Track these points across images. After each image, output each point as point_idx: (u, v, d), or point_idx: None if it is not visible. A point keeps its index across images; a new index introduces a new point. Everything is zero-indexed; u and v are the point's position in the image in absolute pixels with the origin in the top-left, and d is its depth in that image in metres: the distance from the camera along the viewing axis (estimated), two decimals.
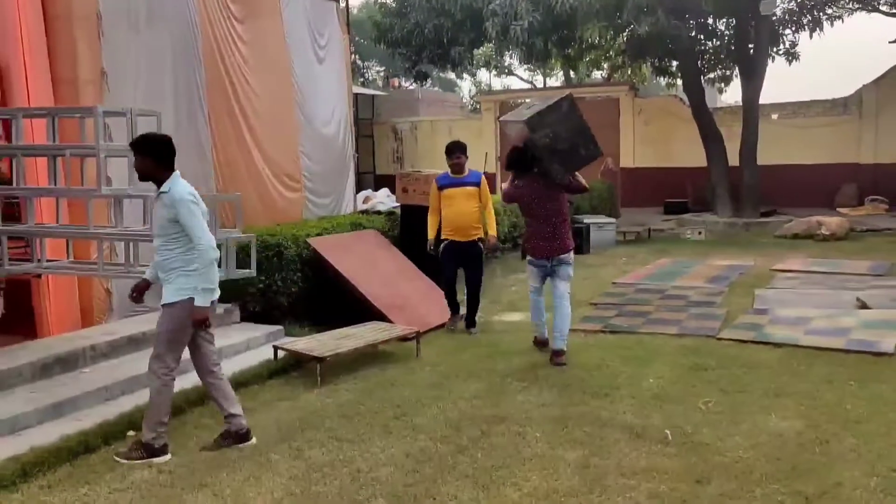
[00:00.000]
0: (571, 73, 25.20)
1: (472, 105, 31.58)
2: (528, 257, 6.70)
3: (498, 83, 36.29)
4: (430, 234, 7.55)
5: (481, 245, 7.47)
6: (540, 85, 31.99)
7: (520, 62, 24.02)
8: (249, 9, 8.82)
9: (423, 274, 8.54)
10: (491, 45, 19.29)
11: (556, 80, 31.58)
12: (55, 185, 5.66)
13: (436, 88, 34.01)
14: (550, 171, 6.38)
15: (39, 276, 6.06)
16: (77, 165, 5.77)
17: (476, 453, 4.51)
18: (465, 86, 39.16)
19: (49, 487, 4.10)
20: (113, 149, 5.63)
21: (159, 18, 7.47)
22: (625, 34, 15.97)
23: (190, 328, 4.58)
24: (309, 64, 10.08)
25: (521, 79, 32.51)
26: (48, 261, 5.88)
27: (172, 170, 4.55)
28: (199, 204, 4.52)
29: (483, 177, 7.58)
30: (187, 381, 5.26)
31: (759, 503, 3.83)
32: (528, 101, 11.75)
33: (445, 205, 7.41)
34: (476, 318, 7.60)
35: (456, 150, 7.47)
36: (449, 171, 7.53)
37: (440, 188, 7.48)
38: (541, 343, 6.76)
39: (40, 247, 5.82)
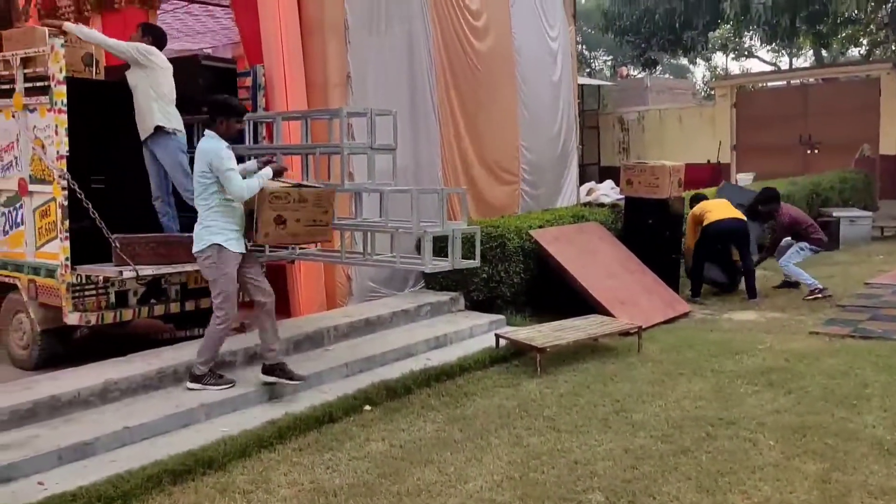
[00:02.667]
0: (823, 51, 23.01)
1: (705, 91, 29.96)
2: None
3: (736, 67, 34.09)
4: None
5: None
6: (785, 66, 29.53)
7: (761, 43, 22.37)
8: (481, 5, 9.11)
9: (648, 268, 8.33)
10: (728, 26, 18.22)
11: (804, 59, 29.01)
12: (307, 180, 6.28)
13: (667, 76, 32.71)
14: None
15: (293, 262, 6.78)
16: (325, 162, 6.36)
17: (700, 456, 4.36)
18: (699, 72, 37.20)
19: (300, 450, 4.60)
20: (355, 147, 6.14)
21: (397, 21, 7.98)
22: (888, 5, 14.27)
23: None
24: (535, 57, 10.19)
25: (763, 61, 30.24)
26: (300, 249, 6.54)
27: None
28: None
29: None
30: (404, 367, 5.60)
31: None
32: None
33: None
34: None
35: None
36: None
37: None
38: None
39: None
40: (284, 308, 7.02)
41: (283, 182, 5.42)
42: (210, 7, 9.16)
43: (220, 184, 5.06)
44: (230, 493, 4.00)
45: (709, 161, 14.11)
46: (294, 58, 7.03)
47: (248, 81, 6.93)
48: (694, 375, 5.81)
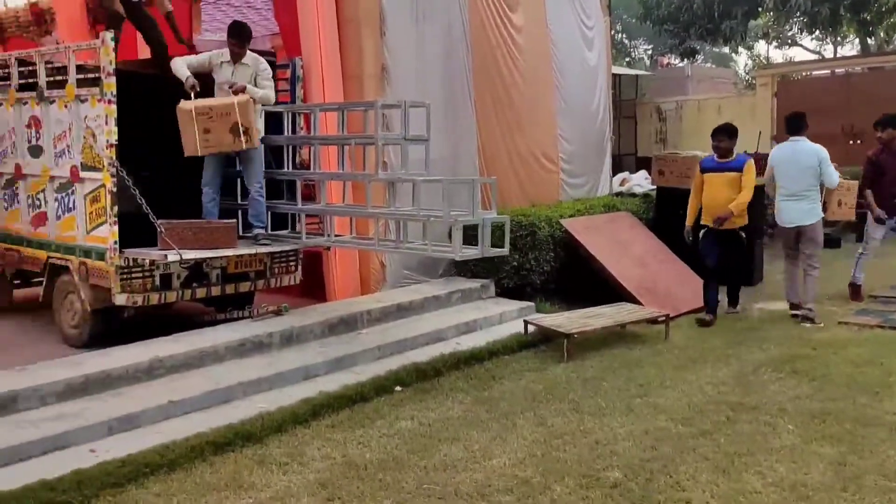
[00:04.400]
0: (869, 39, 22.51)
1: (747, 80, 29.49)
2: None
3: (779, 55, 33.44)
4: (688, 220, 7.41)
5: (742, 235, 7.20)
6: (829, 55, 28.93)
7: (802, 32, 21.97)
8: None
9: (678, 258, 8.39)
10: (769, 15, 17.97)
11: (850, 48, 28.35)
12: (343, 169, 6.50)
13: (708, 64, 32.25)
14: None
15: (329, 248, 7.01)
16: (360, 152, 6.56)
17: (719, 438, 4.48)
18: (742, 60, 36.58)
19: (333, 427, 4.83)
20: (389, 138, 6.33)
21: (432, 12, 8.11)
22: None
23: None
24: (571, 47, 10.26)
25: (807, 49, 29.63)
26: (336, 236, 6.76)
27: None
28: None
29: (750, 161, 7.19)
30: (434, 350, 5.77)
31: None
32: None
33: (705, 190, 7.25)
34: (738, 297, 7.61)
35: (717, 134, 7.29)
36: (715, 154, 7.35)
37: (702, 171, 7.35)
38: None
39: (330, 223, 6.72)
40: (320, 293, 7.28)
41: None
42: None
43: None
44: (267, 465, 4.24)
45: (745, 152, 14.00)
46: (331, 50, 7.24)
47: (287, 73, 7.15)
48: (718, 362, 5.90)
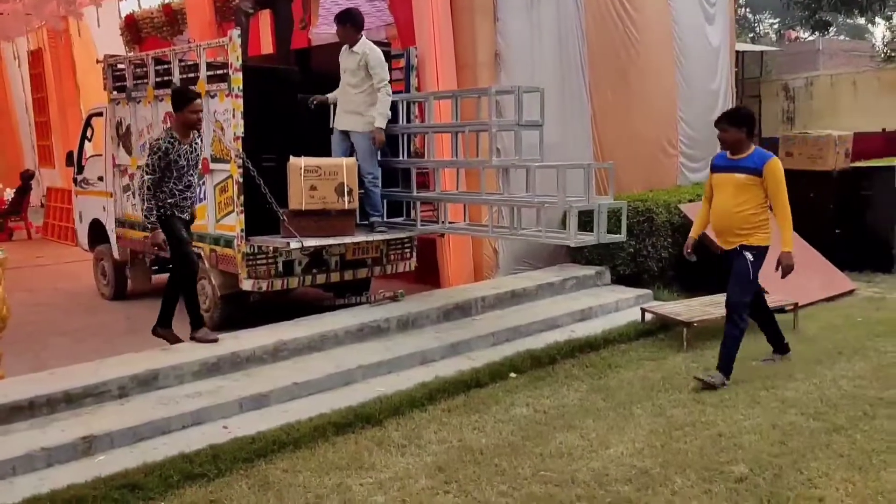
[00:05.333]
0: None
1: (885, 54, 27.44)
2: None
3: None
4: (693, 232, 5.64)
5: (748, 257, 5.14)
6: None
7: None
8: None
9: (808, 244, 7.94)
10: None
11: None
12: (456, 157, 6.55)
13: (842, 37, 30.22)
14: None
15: (443, 235, 7.09)
16: (473, 139, 6.59)
17: (855, 434, 4.23)
18: (879, 32, 34.04)
19: (449, 411, 4.89)
20: (503, 124, 6.31)
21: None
22: None
23: None
24: (692, 26, 9.86)
25: None
26: (450, 223, 6.83)
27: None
28: None
29: (772, 162, 5.12)
30: (549, 338, 5.72)
31: None
32: None
33: (714, 194, 5.40)
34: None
35: (718, 122, 5.32)
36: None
37: (712, 170, 5.45)
38: None
39: (444, 210, 6.80)
40: (434, 279, 7.39)
41: None
42: None
43: None
44: (386, 447, 4.35)
45: (884, 129, 13.02)
46: (445, 38, 7.29)
47: (402, 63, 7.26)
48: (854, 355, 5.56)
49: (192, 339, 5.58)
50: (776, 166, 5.12)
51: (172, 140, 5.53)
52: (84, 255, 8.89)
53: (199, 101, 5.70)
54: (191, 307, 5.70)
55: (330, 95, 6.64)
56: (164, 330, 5.74)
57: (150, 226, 5.56)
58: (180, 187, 5.63)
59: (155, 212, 5.51)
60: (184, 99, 5.60)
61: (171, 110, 5.74)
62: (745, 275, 5.15)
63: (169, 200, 5.58)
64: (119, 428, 4.37)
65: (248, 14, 7.41)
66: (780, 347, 5.64)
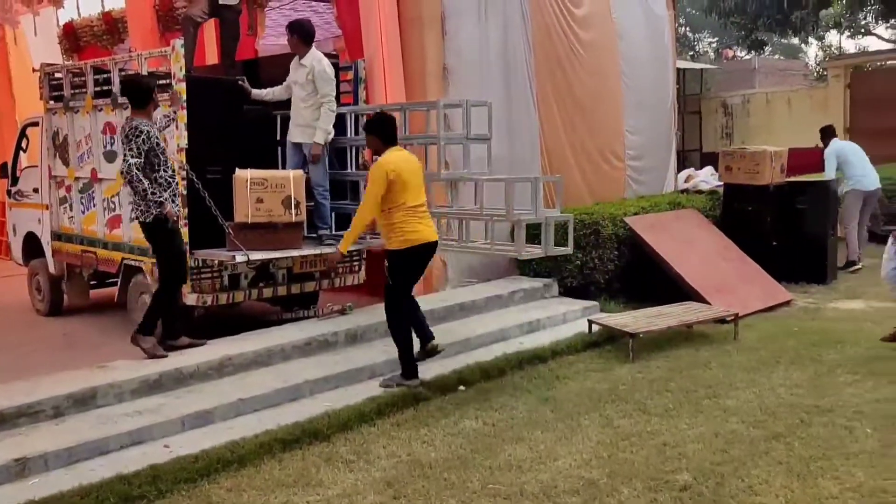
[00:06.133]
0: None
1: (818, 72, 28.49)
2: None
3: (851, 45, 32.20)
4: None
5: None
6: None
7: (876, 20, 21.08)
8: None
9: (746, 255, 8.17)
10: (842, 3, 17.33)
11: None
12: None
13: (777, 57, 31.29)
14: None
15: None
16: (422, 152, 6.58)
17: (793, 442, 4.34)
18: (812, 51, 35.34)
19: (398, 425, 4.85)
20: (451, 137, 6.33)
21: (493, 12, 8.09)
22: None
23: None
24: (637, 40, 10.08)
25: (882, 38, 28.45)
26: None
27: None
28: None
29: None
30: (497, 350, 5.74)
31: None
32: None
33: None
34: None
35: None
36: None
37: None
38: None
39: None
40: (382, 293, 7.32)
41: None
42: (313, 3, 9.55)
43: None
44: (334, 462, 4.29)
45: (817, 145, 13.52)
46: (393, 50, 7.29)
47: (350, 75, 7.23)
48: (791, 364, 5.72)
49: (175, 348, 5.53)
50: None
51: (149, 125, 5.44)
52: (18, 269, 8.58)
53: (155, 85, 5.65)
54: (171, 316, 5.70)
55: (264, 91, 6.63)
56: (174, 340, 5.63)
57: (156, 210, 5.42)
58: (168, 175, 5.54)
59: (157, 199, 5.42)
60: (146, 91, 5.50)
61: (131, 107, 5.57)
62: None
63: (165, 193, 5.48)
64: (54, 449, 4.20)
65: (196, 23, 7.30)
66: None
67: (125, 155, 5.40)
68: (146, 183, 5.39)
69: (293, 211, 6.03)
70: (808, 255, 8.54)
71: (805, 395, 5.05)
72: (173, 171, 5.65)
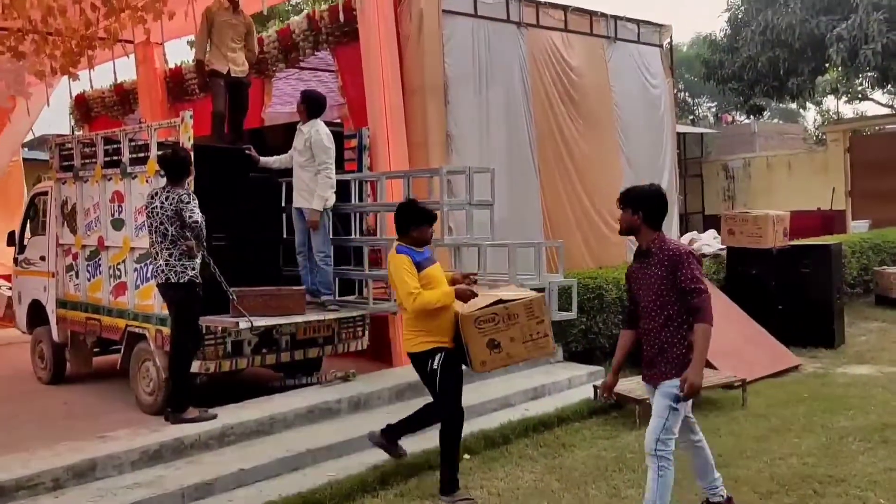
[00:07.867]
0: None
1: (816, 136, 28.85)
2: None
3: (849, 110, 32.73)
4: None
5: (431, 364, 4.88)
6: None
7: (872, 87, 21.46)
8: (580, 61, 9.32)
9: (752, 319, 8.12)
10: (837, 70, 17.65)
11: None
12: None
13: (775, 121, 31.76)
14: None
15: (395, 313, 7.03)
16: None
17: None
18: (810, 116, 35.90)
19: (401, 495, 4.76)
20: (454, 203, 6.39)
21: (494, 82, 8.30)
22: None
23: None
24: (635, 107, 10.25)
25: (879, 103, 28.90)
26: None
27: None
28: None
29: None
30: (502, 417, 5.66)
31: None
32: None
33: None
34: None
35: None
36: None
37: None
38: None
39: None
40: (387, 358, 7.29)
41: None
42: (319, 72, 9.79)
43: None
44: None
45: (819, 208, 13.60)
46: (396, 119, 7.44)
47: (354, 143, 7.35)
48: (803, 431, 5.62)
49: (183, 421, 5.45)
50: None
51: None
52: (21, 336, 8.55)
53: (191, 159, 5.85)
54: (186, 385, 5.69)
55: (272, 159, 6.76)
56: (181, 413, 5.51)
57: (191, 272, 5.60)
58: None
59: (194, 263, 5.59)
60: (185, 165, 5.72)
61: (168, 179, 5.74)
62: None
63: (197, 260, 5.64)
64: None
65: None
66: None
67: (191, 214, 5.52)
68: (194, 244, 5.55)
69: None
70: (814, 318, 8.48)
71: (817, 465, 4.94)
72: None
